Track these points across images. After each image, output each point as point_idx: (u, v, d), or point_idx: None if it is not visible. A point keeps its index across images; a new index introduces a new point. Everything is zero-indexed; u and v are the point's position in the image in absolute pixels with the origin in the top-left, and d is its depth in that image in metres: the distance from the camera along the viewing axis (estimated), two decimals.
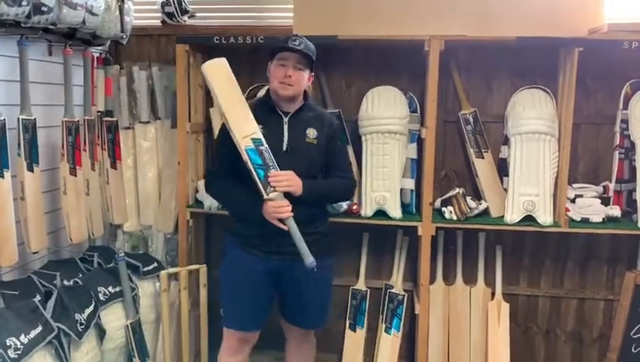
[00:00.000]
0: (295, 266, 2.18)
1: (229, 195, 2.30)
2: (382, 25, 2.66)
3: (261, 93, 2.88)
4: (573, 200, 2.73)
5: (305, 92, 2.29)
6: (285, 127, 2.22)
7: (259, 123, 2.21)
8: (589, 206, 2.69)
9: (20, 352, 1.89)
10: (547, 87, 2.77)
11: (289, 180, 2.13)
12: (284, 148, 2.21)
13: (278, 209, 2.09)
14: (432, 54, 2.58)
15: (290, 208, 2.10)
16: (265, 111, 2.26)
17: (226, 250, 2.37)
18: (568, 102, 2.60)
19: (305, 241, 2.10)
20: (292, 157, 2.19)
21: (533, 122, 2.67)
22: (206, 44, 2.87)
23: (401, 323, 2.91)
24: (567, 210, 2.66)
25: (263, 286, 2.28)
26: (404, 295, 2.94)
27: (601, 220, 2.65)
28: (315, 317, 2.43)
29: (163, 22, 3.09)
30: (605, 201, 2.74)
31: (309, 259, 2.07)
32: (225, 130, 2.22)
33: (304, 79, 2.21)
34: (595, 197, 2.74)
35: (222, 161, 2.30)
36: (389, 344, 2.91)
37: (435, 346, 2.91)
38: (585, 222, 2.66)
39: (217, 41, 2.73)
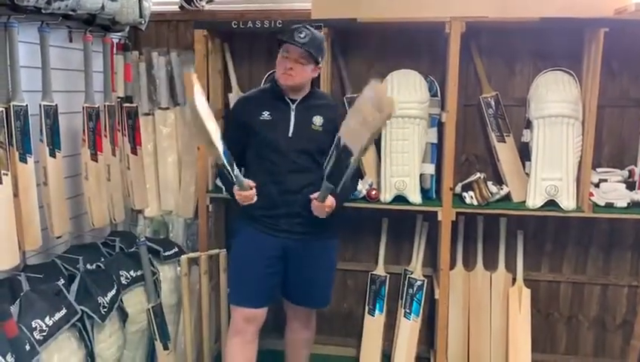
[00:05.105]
0: (302, 245, 2.30)
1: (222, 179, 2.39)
2: (401, 7, 2.62)
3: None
4: (597, 185, 2.68)
5: (312, 81, 2.34)
6: (292, 113, 2.30)
7: (266, 109, 2.30)
8: (614, 190, 2.64)
9: (45, 334, 1.93)
10: (571, 70, 2.71)
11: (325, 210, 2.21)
12: (290, 134, 2.28)
13: (244, 199, 2.21)
14: (453, 36, 2.54)
15: (253, 194, 2.21)
16: (273, 98, 2.33)
17: (236, 229, 2.43)
18: (593, 85, 2.54)
19: (311, 225, 2.26)
20: (297, 142, 2.27)
21: (557, 105, 2.62)
22: (224, 29, 2.86)
23: (421, 309, 2.90)
24: (591, 194, 2.62)
25: (271, 263, 2.33)
26: (423, 280, 2.93)
27: (625, 205, 2.60)
28: (321, 295, 2.49)
29: (181, 7, 3.09)
30: (630, 186, 2.68)
31: None
32: (229, 117, 2.28)
33: (306, 72, 2.25)
34: (619, 181, 2.69)
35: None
36: (409, 329, 2.91)
37: (454, 332, 2.90)
38: (609, 206, 2.61)
39: (235, 26, 2.73)
